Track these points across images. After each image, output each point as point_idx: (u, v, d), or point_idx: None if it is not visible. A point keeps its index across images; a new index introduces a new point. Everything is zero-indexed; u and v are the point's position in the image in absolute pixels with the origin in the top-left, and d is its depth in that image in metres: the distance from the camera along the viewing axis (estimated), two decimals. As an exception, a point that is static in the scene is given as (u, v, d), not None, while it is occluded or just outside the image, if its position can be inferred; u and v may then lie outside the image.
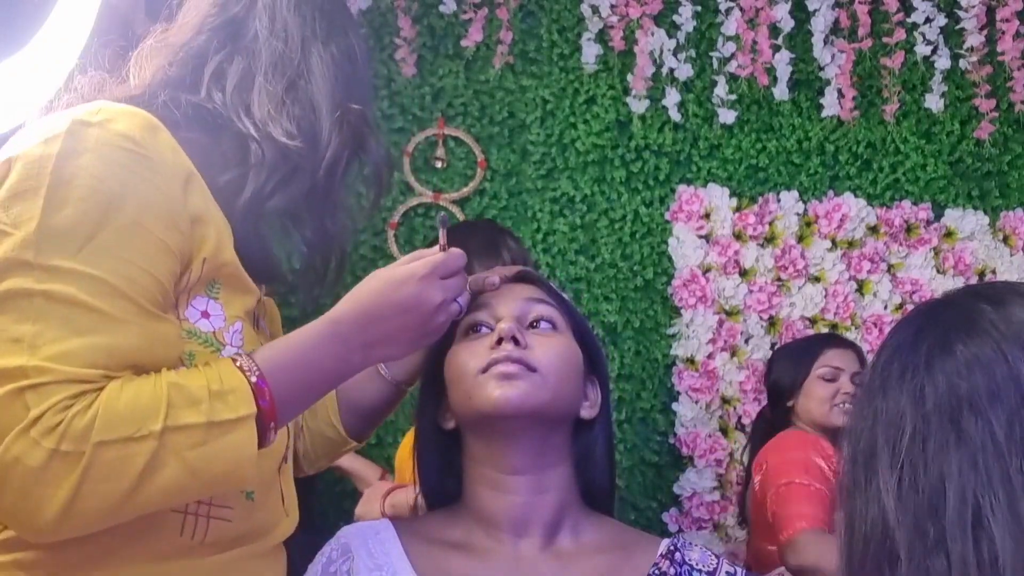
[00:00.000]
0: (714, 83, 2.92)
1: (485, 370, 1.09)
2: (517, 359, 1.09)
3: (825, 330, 2.90)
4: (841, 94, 2.94)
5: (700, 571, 1.11)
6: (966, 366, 0.75)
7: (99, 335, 0.86)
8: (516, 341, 1.09)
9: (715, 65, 2.93)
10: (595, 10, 2.89)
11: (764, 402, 2.86)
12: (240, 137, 1.02)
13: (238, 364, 0.93)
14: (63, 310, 0.85)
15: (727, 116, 2.91)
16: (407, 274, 1.03)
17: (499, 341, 1.10)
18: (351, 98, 1.09)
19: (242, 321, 1.00)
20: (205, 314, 0.97)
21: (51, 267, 0.85)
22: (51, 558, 0.89)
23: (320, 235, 1.07)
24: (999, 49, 2.96)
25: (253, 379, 0.92)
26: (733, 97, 2.92)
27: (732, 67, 2.91)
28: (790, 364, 2.46)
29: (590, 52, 2.89)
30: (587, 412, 1.16)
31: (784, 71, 2.92)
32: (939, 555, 0.71)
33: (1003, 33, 2.94)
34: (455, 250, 1.08)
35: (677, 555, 1.11)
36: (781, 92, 2.93)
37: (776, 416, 2.47)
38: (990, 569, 0.69)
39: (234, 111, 1.03)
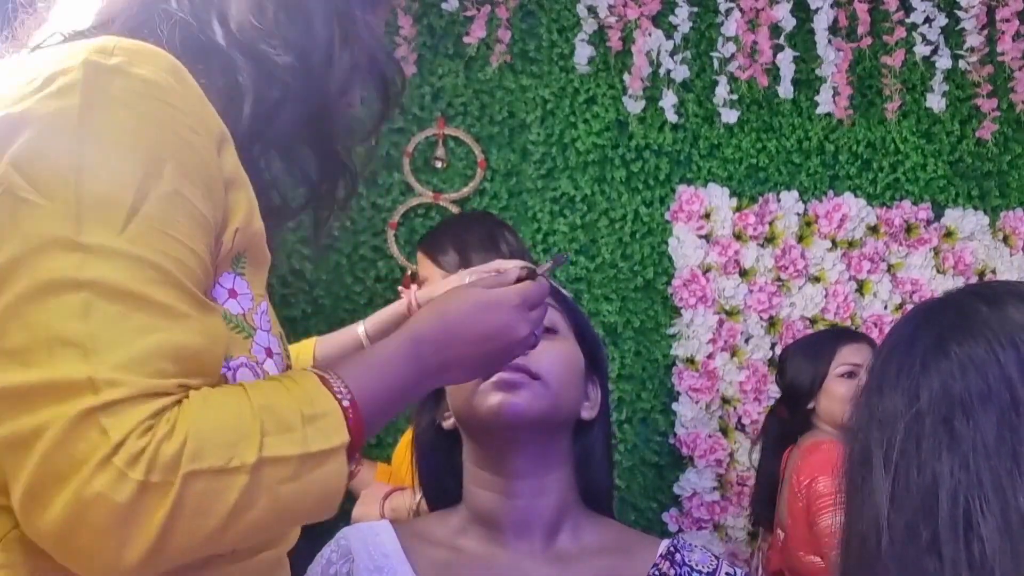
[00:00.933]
0: (715, 83, 2.92)
1: (487, 376, 1.08)
2: (519, 367, 1.08)
3: (825, 330, 2.90)
4: (836, 92, 2.94)
5: (700, 572, 1.11)
6: (960, 367, 0.75)
7: (162, 333, 0.72)
8: None
9: (716, 66, 2.93)
10: (591, 11, 2.89)
11: (765, 402, 2.87)
12: (219, 53, 0.85)
13: (328, 383, 0.81)
14: (118, 304, 0.71)
15: (730, 116, 2.91)
16: (499, 300, 0.94)
17: None
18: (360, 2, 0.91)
19: (266, 300, 0.88)
20: (232, 293, 0.84)
21: (96, 248, 0.71)
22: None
23: (327, 162, 0.92)
24: (999, 49, 2.95)
25: (346, 403, 0.81)
26: (735, 97, 2.91)
27: (733, 68, 2.91)
28: (806, 364, 2.39)
29: (583, 53, 2.89)
30: (588, 413, 1.16)
31: (788, 70, 2.92)
32: (932, 556, 0.71)
33: (1003, 33, 2.94)
34: (543, 280, 1.01)
35: (677, 556, 1.12)
36: (786, 91, 2.93)
37: (796, 419, 2.41)
38: (981, 570, 0.69)
39: (205, 17, 0.85)
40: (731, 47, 2.91)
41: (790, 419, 2.44)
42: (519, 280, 0.99)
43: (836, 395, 2.31)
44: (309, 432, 0.77)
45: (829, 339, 2.48)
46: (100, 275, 0.71)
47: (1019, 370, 0.73)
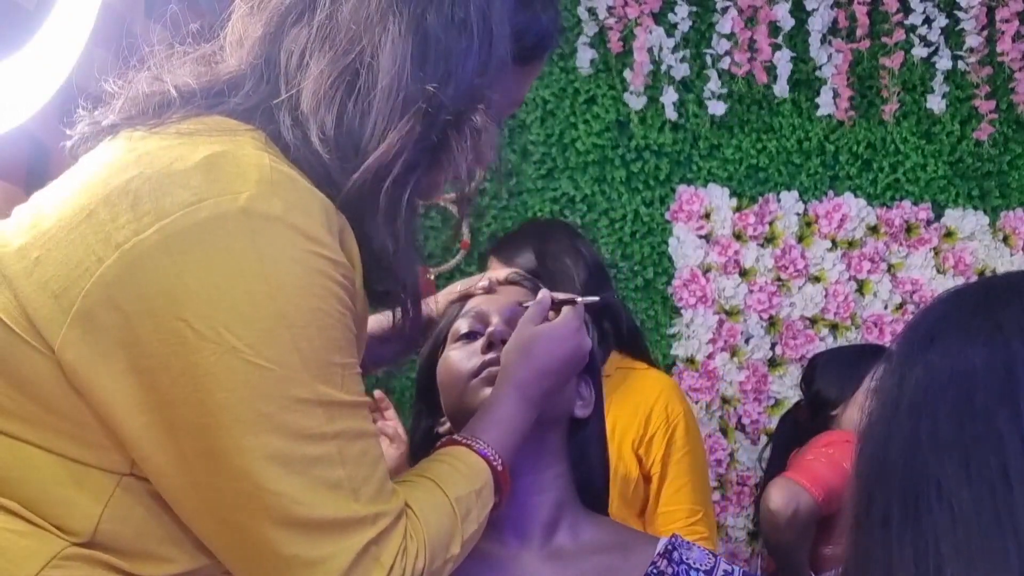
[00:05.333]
0: (708, 78, 2.92)
1: (477, 374, 1.09)
2: None
3: (825, 331, 2.90)
4: (837, 94, 2.94)
5: (698, 570, 1.11)
6: (939, 357, 0.76)
7: (382, 459, 0.86)
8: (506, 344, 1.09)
9: (708, 61, 2.92)
10: (592, 12, 2.89)
11: (765, 403, 2.87)
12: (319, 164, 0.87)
13: (484, 455, 0.97)
14: (359, 445, 0.83)
15: (717, 108, 2.90)
16: (565, 331, 1.09)
17: (490, 344, 1.10)
18: (451, 84, 0.89)
19: None
20: None
21: (332, 403, 0.81)
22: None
23: (376, 265, 0.91)
24: (999, 50, 2.95)
25: (500, 468, 0.98)
26: (724, 91, 2.91)
27: (726, 63, 2.91)
28: (836, 378, 2.42)
29: (585, 56, 2.89)
30: (581, 411, 1.16)
31: (784, 68, 2.92)
32: (885, 530, 0.73)
33: (1002, 34, 2.94)
34: (580, 304, 1.14)
35: (675, 554, 1.11)
36: (782, 89, 2.93)
37: (816, 423, 2.43)
38: (924, 552, 0.70)
39: (288, 103, 0.88)
40: (726, 44, 2.91)
41: (811, 423, 2.44)
42: (555, 303, 1.12)
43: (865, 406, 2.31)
44: (479, 504, 0.94)
45: (866, 356, 2.43)
46: (341, 427, 0.82)
47: (985, 368, 0.73)
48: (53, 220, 0.83)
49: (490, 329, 1.11)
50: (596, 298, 1.23)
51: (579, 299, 1.15)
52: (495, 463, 0.97)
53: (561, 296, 1.15)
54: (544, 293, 1.14)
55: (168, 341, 0.77)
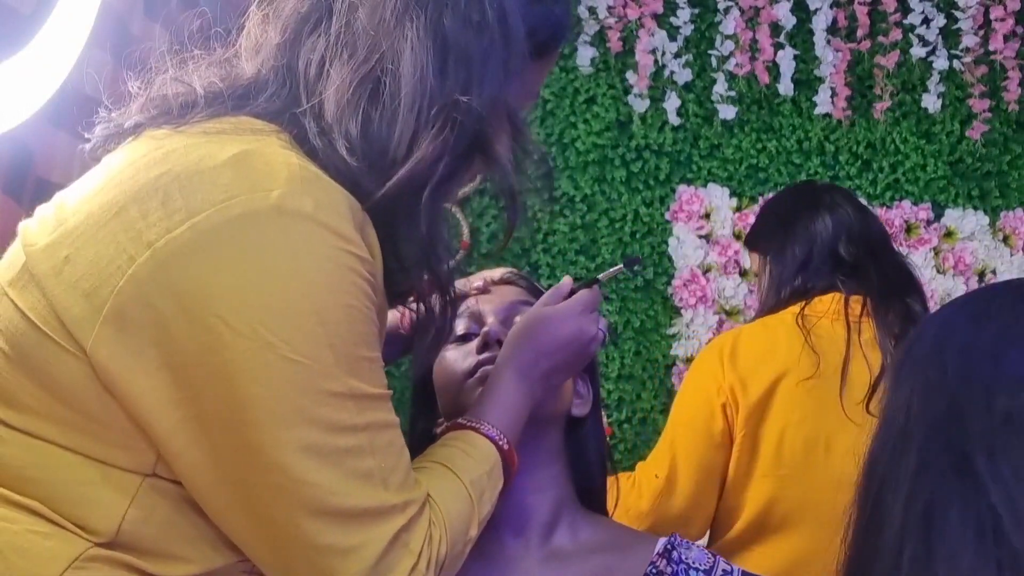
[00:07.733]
0: (714, 81, 2.93)
1: (472, 374, 1.09)
2: None
3: (825, 330, 2.90)
4: (834, 92, 2.94)
5: (697, 570, 1.11)
6: (908, 376, 0.81)
7: (405, 449, 0.88)
8: (501, 344, 1.09)
9: (714, 63, 2.93)
10: (592, 11, 2.90)
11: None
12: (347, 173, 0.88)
13: (491, 437, 0.99)
14: (387, 435, 0.85)
15: (727, 112, 2.91)
16: (565, 313, 1.09)
17: (485, 344, 1.10)
18: (474, 87, 0.90)
19: None
20: None
21: (361, 396, 0.83)
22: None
23: (400, 267, 0.92)
24: (991, 48, 2.96)
25: (506, 448, 1.00)
26: (733, 94, 2.92)
27: (731, 65, 2.92)
28: None
29: (585, 55, 2.89)
30: (578, 410, 1.16)
31: (788, 67, 2.93)
32: (851, 526, 0.82)
33: (995, 32, 2.94)
34: (596, 287, 1.14)
35: (674, 554, 1.11)
36: (786, 88, 2.93)
37: None
38: (864, 539, 0.79)
39: (311, 112, 0.89)
40: (730, 45, 2.92)
41: None
42: (573, 291, 1.12)
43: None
44: (491, 485, 0.96)
45: None
46: (371, 418, 0.84)
47: (921, 395, 0.78)
48: (81, 218, 0.83)
49: (485, 329, 1.11)
50: (620, 266, 1.23)
51: (601, 276, 1.16)
52: (501, 443, 0.99)
53: (582, 282, 1.15)
54: (566, 279, 1.15)
55: (202, 338, 0.78)
